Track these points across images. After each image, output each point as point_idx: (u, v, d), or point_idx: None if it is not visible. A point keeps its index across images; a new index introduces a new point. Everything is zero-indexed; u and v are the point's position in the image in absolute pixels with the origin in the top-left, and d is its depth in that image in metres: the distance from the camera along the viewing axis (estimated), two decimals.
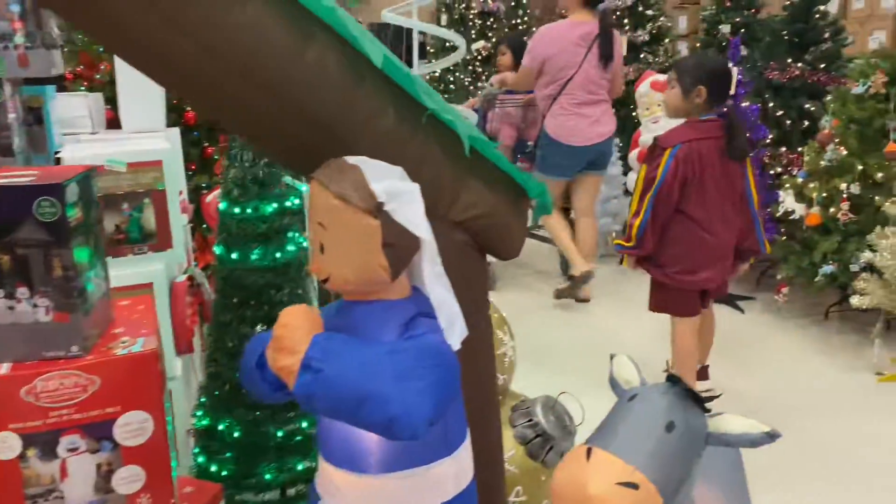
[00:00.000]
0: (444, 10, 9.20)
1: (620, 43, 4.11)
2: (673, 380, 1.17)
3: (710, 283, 2.80)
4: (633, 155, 4.90)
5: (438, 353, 1.10)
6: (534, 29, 7.51)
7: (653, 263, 2.80)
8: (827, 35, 4.38)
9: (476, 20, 8.58)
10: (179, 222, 2.42)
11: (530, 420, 1.58)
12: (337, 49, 1.18)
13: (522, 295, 4.58)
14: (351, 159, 1.15)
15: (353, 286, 1.16)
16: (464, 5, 8.97)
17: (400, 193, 1.12)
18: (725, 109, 2.73)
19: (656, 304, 2.89)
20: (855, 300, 3.30)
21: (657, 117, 4.72)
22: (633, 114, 5.02)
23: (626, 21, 5.63)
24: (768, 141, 4.36)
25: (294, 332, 1.09)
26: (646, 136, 4.82)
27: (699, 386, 2.97)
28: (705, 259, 2.74)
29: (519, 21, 7.49)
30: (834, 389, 3.26)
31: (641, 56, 5.63)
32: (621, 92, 4.23)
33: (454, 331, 1.16)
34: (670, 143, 2.66)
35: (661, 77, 4.80)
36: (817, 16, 4.38)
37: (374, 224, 1.11)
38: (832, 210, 3.67)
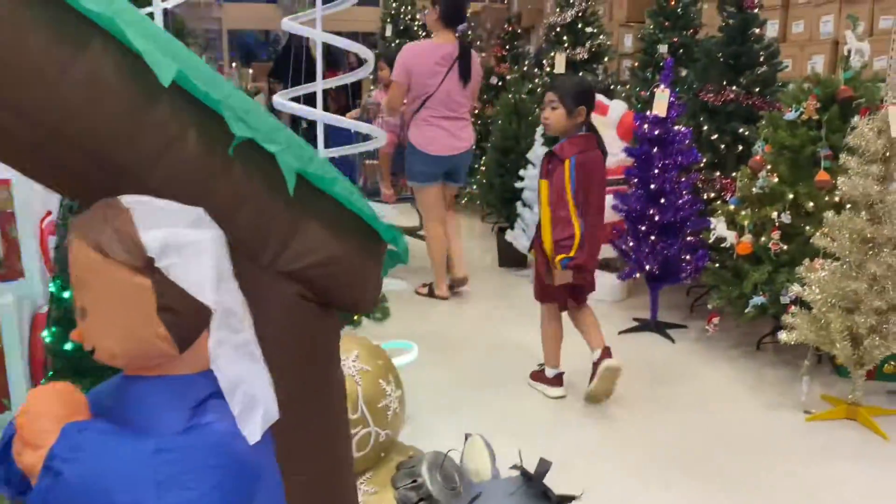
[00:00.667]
0: (388, 20, 9.01)
1: (479, 63, 4.52)
2: (526, 475, 0.96)
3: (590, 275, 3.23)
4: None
5: (223, 450, 0.88)
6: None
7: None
8: (762, 58, 4.28)
9: (420, 32, 8.39)
10: (32, 249, 2.15)
11: (415, 481, 1.38)
12: (117, 62, 0.96)
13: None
14: (126, 199, 0.92)
15: (122, 360, 0.92)
16: (409, 17, 8.80)
17: (182, 245, 0.90)
18: (591, 124, 3.13)
19: (544, 296, 3.28)
20: (783, 335, 3.17)
21: None
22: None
23: (565, 38, 5.49)
24: (702, 165, 4.24)
25: (36, 421, 0.86)
26: None
27: (605, 363, 3.14)
28: (594, 252, 3.14)
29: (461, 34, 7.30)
30: (761, 428, 3.12)
31: (580, 74, 5.49)
32: (475, 101, 4.71)
33: (253, 417, 0.93)
34: (566, 156, 3.00)
35: (596, 97, 4.67)
36: (753, 39, 4.28)
37: (144, 284, 0.88)
38: (763, 239, 3.55)
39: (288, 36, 10.56)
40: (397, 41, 8.83)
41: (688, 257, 3.96)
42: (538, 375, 3.39)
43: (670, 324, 4.16)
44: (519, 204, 5.03)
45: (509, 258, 5.35)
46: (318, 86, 2.63)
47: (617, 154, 4.36)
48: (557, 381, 3.31)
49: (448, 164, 4.36)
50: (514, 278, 5.21)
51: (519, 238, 5.14)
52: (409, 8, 8.85)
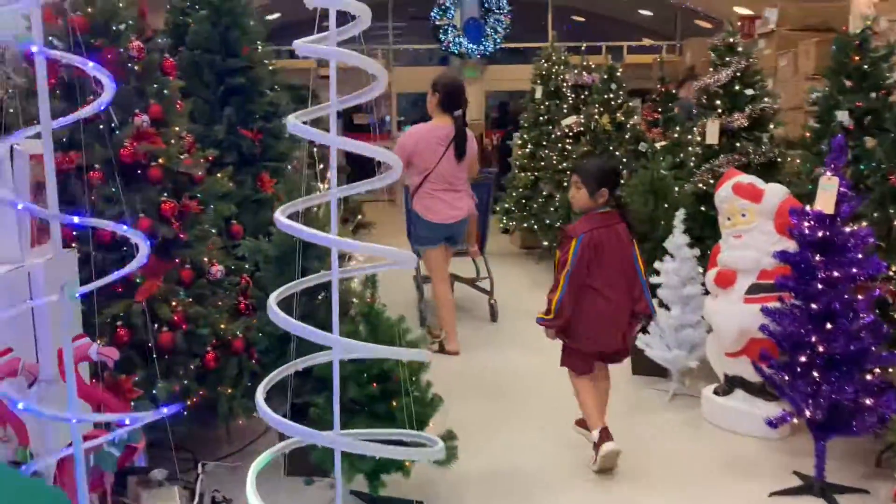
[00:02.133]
0: (538, 81, 8.45)
1: (473, 139, 5.05)
2: None
3: (608, 347, 3.37)
4: (711, 275, 3.83)
5: None
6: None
7: (566, 334, 3.31)
8: None
9: (570, 93, 7.72)
10: None
11: None
12: None
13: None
14: None
15: None
16: (560, 77, 8.17)
17: None
18: (615, 202, 3.33)
19: (564, 362, 3.42)
20: None
21: (740, 231, 3.65)
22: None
23: (718, 103, 4.60)
24: (891, 275, 3.17)
25: None
26: (727, 255, 3.75)
27: (604, 448, 3.22)
28: (604, 327, 3.29)
29: (612, 95, 6.58)
30: None
31: (738, 145, 4.55)
32: (476, 173, 5.29)
33: None
34: (576, 234, 3.23)
35: (747, 179, 3.74)
36: None
37: None
38: None
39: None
40: (546, 103, 8.24)
41: (869, 402, 2.92)
42: (582, 422, 3.46)
43: (843, 487, 3.09)
44: (655, 303, 4.16)
45: (644, 365, 4.45)
46: (333, 107, 2.14)
47: (768, 251, 3.43)
48: (606, 436, 3.27)
49: (448, 230, 4.97)
50: (650, 393, 4.31)
51: (654, 345, 4.26)
52: (561, 68, 8.23)
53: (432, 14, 14.14)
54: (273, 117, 4.01)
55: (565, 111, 7.58)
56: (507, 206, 8.50)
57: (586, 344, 3.30)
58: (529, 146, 8.37)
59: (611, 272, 3.23)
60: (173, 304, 2.91)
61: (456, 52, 14.25)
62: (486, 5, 14.27)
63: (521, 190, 8.31)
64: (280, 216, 2.02)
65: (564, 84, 7.94)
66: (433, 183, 4.82)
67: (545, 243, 7.46)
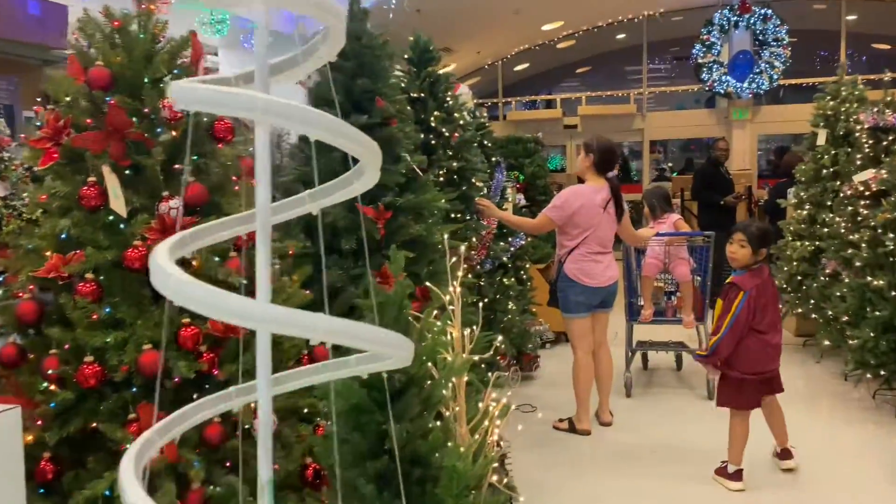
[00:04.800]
0: (822, 123, 6.58)
1: (624, 200, 4.88)
2: None
3: (767, 367, 3.79)
4: None
5: None
6: None
7: (728, 366, 3.75)
8: None
9: (865, 139, 5.80)
10: None
11: None
12: None
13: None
14: None
15: None
16: (853, 118, 6.27)
17: None
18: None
19: (722, 401, 3.89)
20: None
21: None
22: None
23: None
24: None
25: None
26: None
27: (784, 464, 3.95)
28: (765, 353, 3.75)
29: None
30: None
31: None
32: (633, 234, 5.07)
33: None
34: (746, 287, 3.70)
35: None
36: None
37: None
38: None
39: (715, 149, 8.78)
40: (832, 151, 6.36)
41: None
42: (720, 471, 3.86)
43: None
44: None
45: None
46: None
47: None
48: (738, 476, 3.78)
49: (603, 294, 4.69)
50: None
51: None
52: (853, 106, 6.31)
53: (693, 51, 12.45)
54: None
55: (859, 163, 5.69)
56: (778, 282, 6.67)
57: (747, 365, 3.71)
58: (807, 207, 6.53)
59: (772, 316, 3.77)
60: None
61: (722, 91, 12.37)
62: (760, 38, 12.25)
63: (795, 264, 6.46)
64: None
65: (858, 127, 6.02)
66: (589, 245, 4.63)
67: (826, 342, 5.58)
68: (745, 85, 12.18)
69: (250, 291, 0.93)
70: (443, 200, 3.00)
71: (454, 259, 2.93)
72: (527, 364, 5.85)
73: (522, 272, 6.27)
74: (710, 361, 3.77)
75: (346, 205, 2.84)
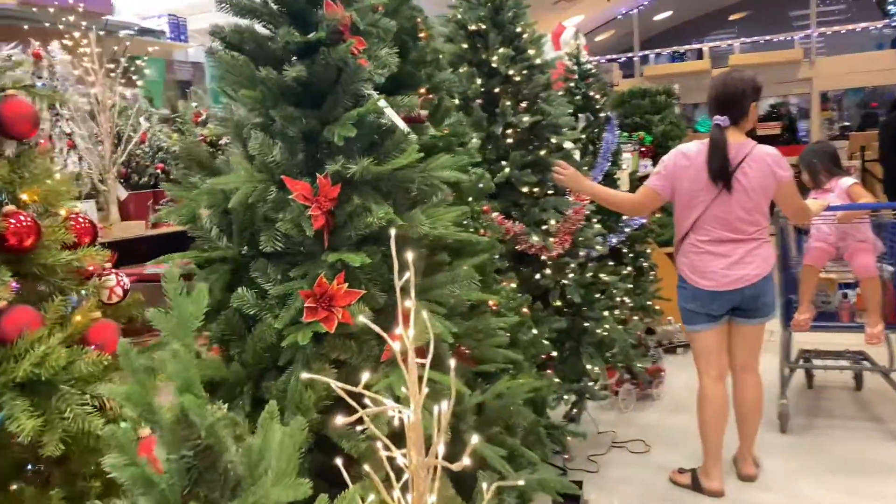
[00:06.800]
0: None
1: (769, 159, 3.38)
2: None
3: None
4: None
5: None
6: None
7: None
8: None
9: None
10: None
11: None
12: None
13: None
14: None
15: None
16: None
17: None
18: None
19: None
20: None
21: None
22: None
23: None
24: None
25: None
26: None
27: None
28: None
29: None
30: None
31: None
32: (799, 211, 3.43)
33: None
34: None
35: None
36: None
37: None
38: None
39: None
40: None
41: None
42: None
43: None
44: None
45: None
46: None
47: None
48: None
49: (728, 301, 3.28)
50: None
51: None
52: None
53: None
54: None
55: None
56: None
57: None
58: None
59: None
60: None
61: None
62: None
63: None
64: None
65: None
66: (704, 230, 3.27)
67: None
68: None
69: None
70: (449, 170, 1.80)
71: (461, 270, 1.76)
72: (651, 376, 4.55)
73: (642, 258, 4.94)
74: None
75: (272, 179, 1.72)
